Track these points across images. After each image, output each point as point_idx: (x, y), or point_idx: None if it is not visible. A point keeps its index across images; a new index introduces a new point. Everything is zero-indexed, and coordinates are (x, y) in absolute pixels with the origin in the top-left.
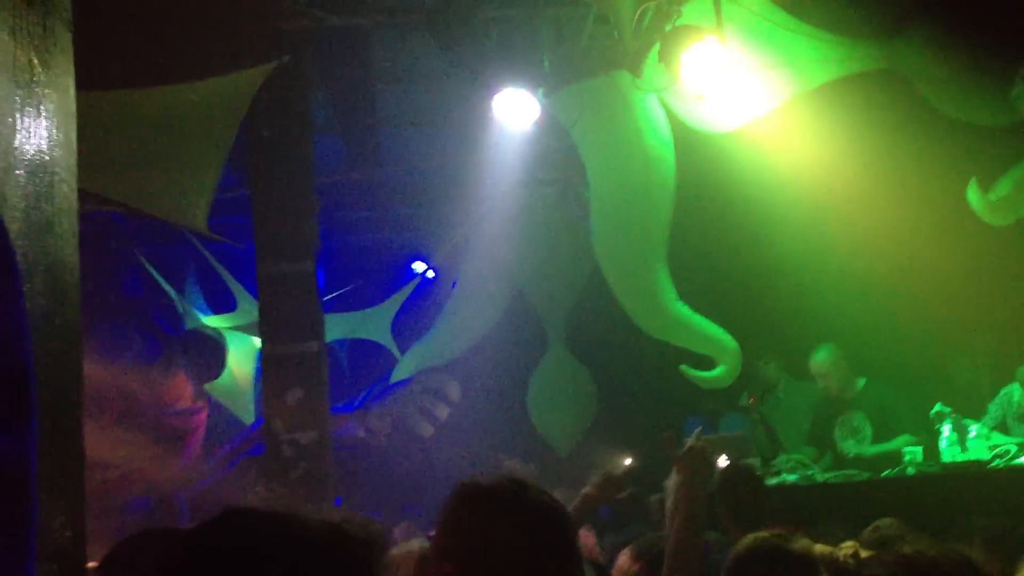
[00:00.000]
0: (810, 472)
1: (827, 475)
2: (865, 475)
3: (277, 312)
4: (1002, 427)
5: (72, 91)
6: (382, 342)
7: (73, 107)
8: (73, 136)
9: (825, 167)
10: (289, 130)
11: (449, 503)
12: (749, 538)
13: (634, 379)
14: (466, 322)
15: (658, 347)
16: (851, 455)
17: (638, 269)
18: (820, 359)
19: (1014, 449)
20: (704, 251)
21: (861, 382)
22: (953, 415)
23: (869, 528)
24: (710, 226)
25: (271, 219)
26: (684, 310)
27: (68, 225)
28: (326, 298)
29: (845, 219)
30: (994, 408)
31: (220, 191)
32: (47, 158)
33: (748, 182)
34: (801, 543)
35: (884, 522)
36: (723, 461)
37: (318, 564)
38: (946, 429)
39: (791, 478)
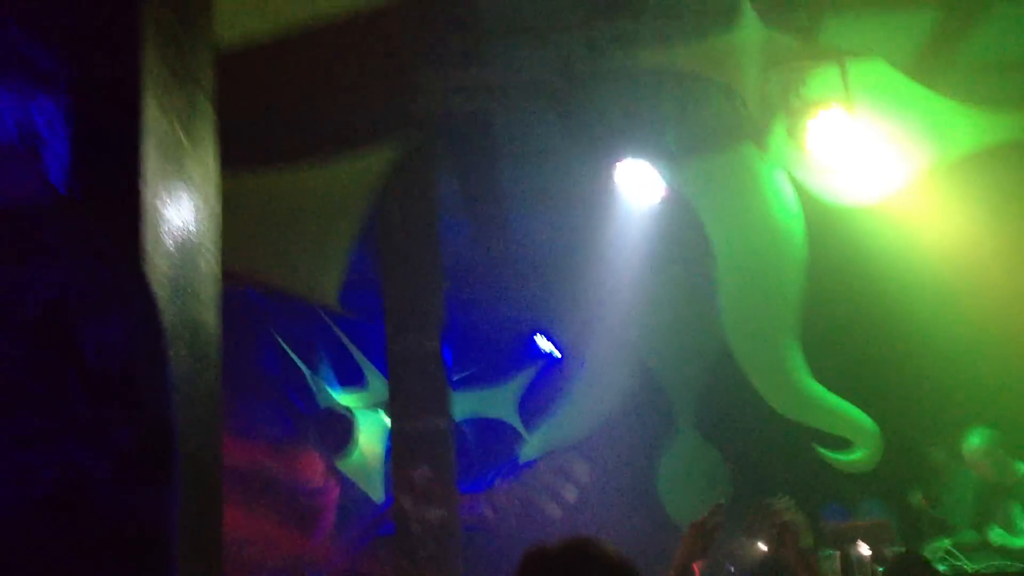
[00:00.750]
0: (959, 562)
1: (977, 566)
2: (1018, 567)
3: (406, 389)
4: None
5: (216, 164)
6: (509, 421)
7: (217, 179)
8: (218, 207)
9: (966, 241)
10: (417, 210)
11: (518, 570)
12: None
13: (767, 462)
14: (593, 402)
15: (792, 429)
16: (996, 544)
17: (769, 346)
18: (973, 445)
19: None
20: (839, 328)
21: (1022, 468)
22: None
23: None
24: (844, 302)
25: (400, 297)
26: (819, 389)
27: (212, 293)
28: (454, 377)
29: (986, 294)
30: None
31: (352, 270)
32: (193, 228)
33: (883, 257)
34: None
35: None
36: (864, 549)
37: None
38: None
39: (941, 567)
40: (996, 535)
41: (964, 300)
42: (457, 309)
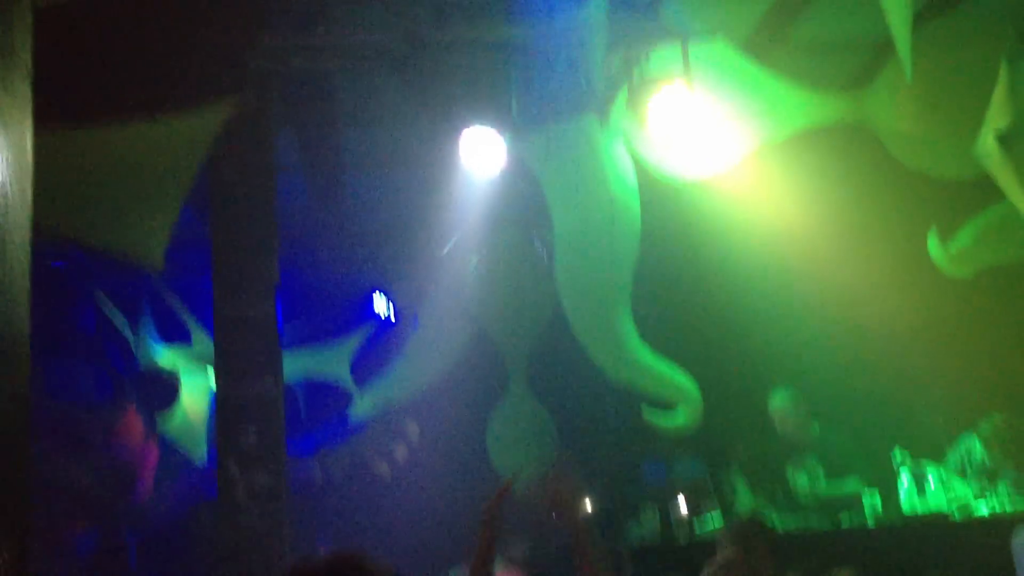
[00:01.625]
0: (769, 518)
1: (787, 521)
2: (825, 524)
3: (233, 354)
4: (960, 476)
5: (30, 119)
6: (341, 381)
7: (31, 133)
8: (30, 161)
9: (791, 218)
10: (251, 169)
11: None
12: None
13: (594, 421)
14: (426, 362)
15: (619, 390)
16: (805, 492)
17: (601, 312)
18: (778, 403)
19: (972, 500)
20: (668, 296)
21: (816, 427)
22: (912, 461)
23: None
24: (675, 272)
25: (231, 259)
26: (647, 354)
27: (22, 248)
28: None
29: (809, 268)
30: (953, 456)
31: (179, 229)
32: (2, 180)
33: (714, 230)
34: None
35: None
36: (683, 506)
37: None
38: (905, 477)
39: None
40: (802, 481)
41: (785, 273)
42: (291, 269)
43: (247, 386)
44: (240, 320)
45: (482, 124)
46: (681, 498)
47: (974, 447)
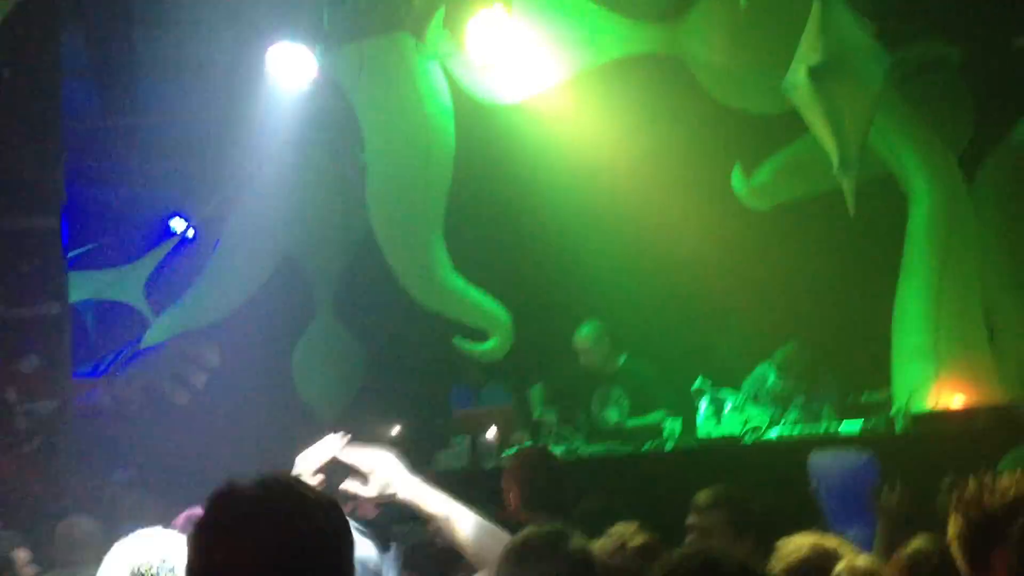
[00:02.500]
0: (574, 445)
1: (590, 448)
2: (626, 449)
3: (13, 272)
4: (754, 403)
5: None
6: (134, 304)
7: None
8: None
9: (602, 145)
10: (34, 70)
11: (205, 509)
12: (527, 531)
13: (402, 348)
14: (228, 285)
15: (428, 317)
16: (612, 423)
17: (413, 237)
18: (583, 335)
19: (764, 424)
20: (481, 223)
21: (622, 358)
22: (711, 389)
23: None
24: (488, 198)
25: (10, 168)
26: (458, 281)
27: None
28: (71, 254)
29: (617, 197)
30: (747, 385)
31: None
32: None
33: (528, 155)
34: (577, 540)
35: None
36: (491, 434)
37: None
38: (703, 404)
39: (557, 450)
40: (610, 414)
41: (596, 199)
42: (80, 183)
43: (28, 307)
44: (19, 235)
45: (292, 37)
46: (489, 425)
47: (768, 375)
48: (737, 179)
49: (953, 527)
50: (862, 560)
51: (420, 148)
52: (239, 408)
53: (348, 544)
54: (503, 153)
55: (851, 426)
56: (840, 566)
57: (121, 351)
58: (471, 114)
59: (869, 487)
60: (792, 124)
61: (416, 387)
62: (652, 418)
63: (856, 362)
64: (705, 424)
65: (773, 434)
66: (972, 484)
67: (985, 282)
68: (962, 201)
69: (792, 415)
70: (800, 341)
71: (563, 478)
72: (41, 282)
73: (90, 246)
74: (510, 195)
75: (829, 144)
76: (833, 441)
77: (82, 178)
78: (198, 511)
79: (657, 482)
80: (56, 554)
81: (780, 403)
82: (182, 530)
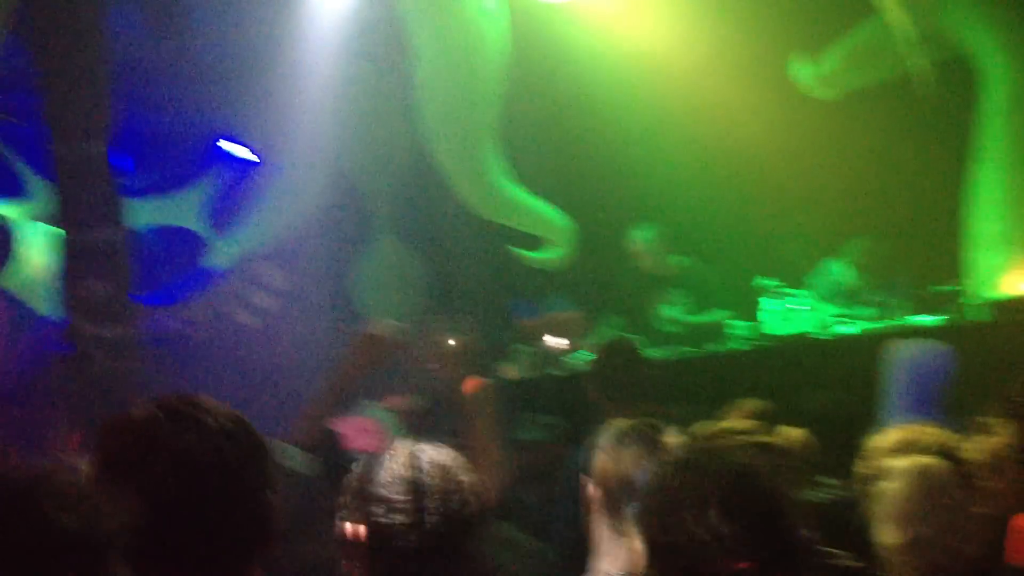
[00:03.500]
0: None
1: (655, 351)
2: (691, 351)
3: (73, 198)
4: (823, 299)
5: None
6: (195, 229)
7: None
8: None
9: (658, 41)
10: None
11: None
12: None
13: (463, 262)
14: (287, 206)
15: (487, 229)
16: (671, 323)
17: (467, 148)
18: (638, 238)
19: (833, 321)
20: (536, 129)
21: (682, 260)
22: (776, 289)
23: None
24: (543, 103)
25: (61, 97)
26: (515, 189)
27: None
28: (128, 181)
29: (675, 95)
30: (816, 281)
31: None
32: None
33: (583, 56)
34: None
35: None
36: (553, 340)
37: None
38: (769, 302)
39: None
40: (667, 311)
41: (654, 98)
42: (133, 111)
43: (88, 233)
44: (76, 163)
45: None
46: (553, 333)
47: (837, 271)
48: (803, 67)
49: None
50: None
51: (471, 54)
52: (306, 331)
53: (255, 473)
54: (557, 55)
55: (924, 318)
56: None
57: (187, 277)
58: (524, 16)
59: (944, 378)
60: (858, 6)
61: (478, 300)
62: (713, 317)
63: (929, 254)
64: (772, 322)
65: (843, 330)
66: None
67: None
68: None
69: (863, 310)
70: (871, 235)
71: (643, 370)
72: (98, 208)
73: (147, 173)
74: (567, 99)
75: (898, 24)
76: (906, 334)
77: (134, 105)
78: None
79: (724, 383)
80: None
81: (850, 299)
82: None
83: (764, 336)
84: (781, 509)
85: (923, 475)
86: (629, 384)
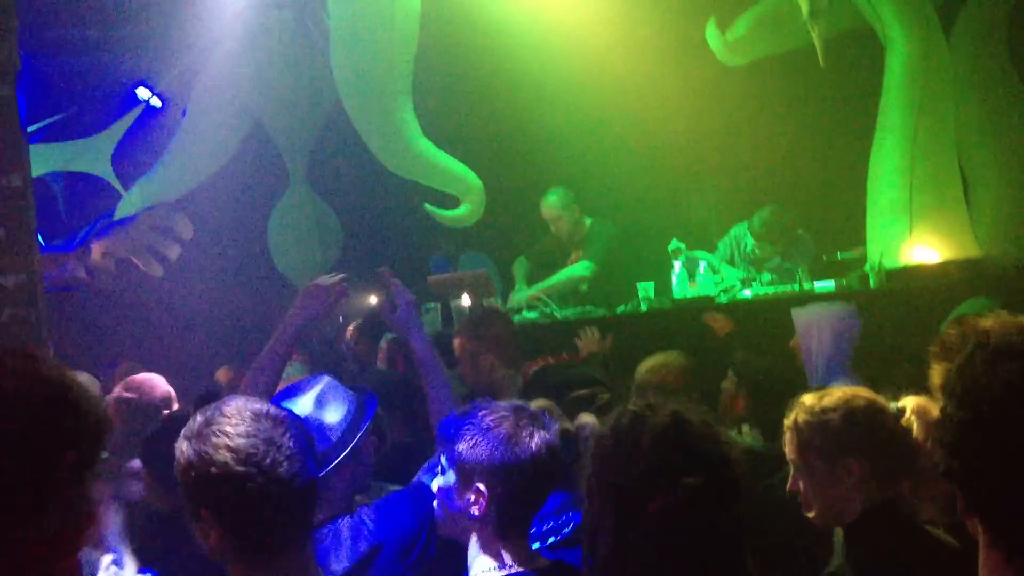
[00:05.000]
0: (549, 309)
1: (565, 311)
2: (601, 311)
3: None
4: (729, 264)
5: None
6: (102, 175)
7: None
8: None
9: (574, 3)
10: None
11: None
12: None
13: (378, 217)
14: (199, 155)
15: (402, 184)
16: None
17: (381, 103)
18: (550, 202)
19: (738, 284)
20: (450, 86)
21: (588, 221)
22: (686, 251)
23: None
24: (456, 60)
25: None
26: (428, 147)
27: None
28: (33, 127)
29: (588, 56)
30: (723, 246)
31: None
32: None
33: (495, 15)
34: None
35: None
36: (466, 299)
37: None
38: (678, 265)
39: (531, 316)
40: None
41: (567, 59)
42: (38, 53)
43: None
44: None
45: None
46: (464, 291)
47: (744, 237)
48: (712, 34)
49: (937, 375)
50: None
51: (385, 9)
52: (215, 280)
53: (64, 443)
54: (469, 13)
55: (826, 285)
56: (902, 404)
57: (94, 224)
58: None
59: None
60: None
61: (393, 256)
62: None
63: (831, 221)
64: (680, 286)
65: (748, 294)
66: (953, 331)
67: (960, 137)
68: (939, 52)
69: (766, 276)
70: (777, 203)
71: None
72: (1, 153)
73: (55, 117)
74: (481, 57)
75: None
76: (808, 299)
77: (42, 48)
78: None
79: (632, 343)
80: None
81: (755, 265)
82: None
83: (671, 298)
84: (709, 449)
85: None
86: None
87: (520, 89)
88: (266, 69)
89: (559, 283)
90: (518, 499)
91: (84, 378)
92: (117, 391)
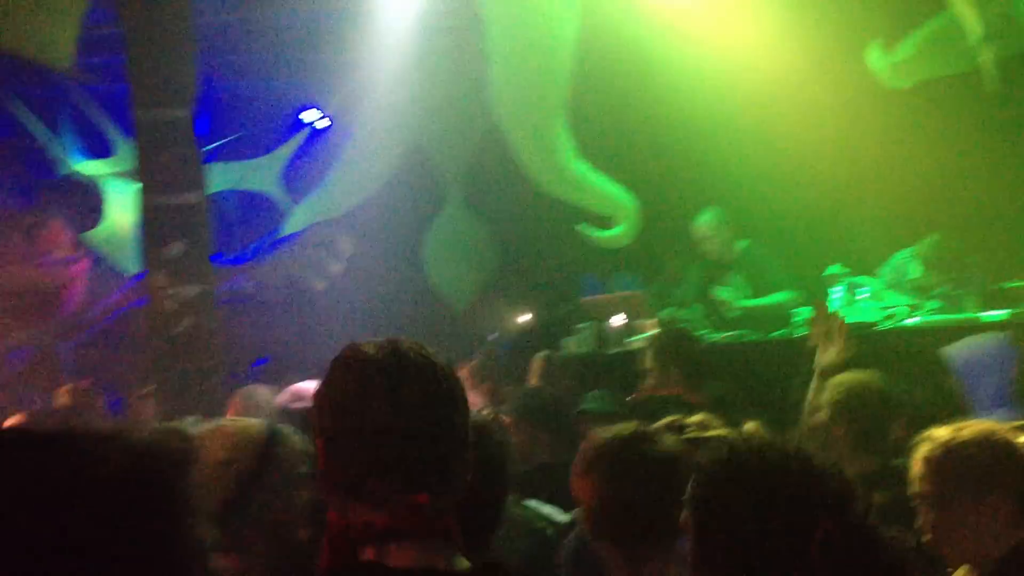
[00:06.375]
0: (703, 332)
1: (719, 335)
2: (755, 335)
3: (154, 160)
4: (892, 290)
5: None
6: (271, 193)
7: None
8: None
9: (729, 25)
10: None
11: (329, 370)
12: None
13: (532, 237)
14: (360, 174)
15: (557, 204)
16: (728, 305)
17: (536, 125)
18: (703, 222)
19: (904, 311)
20: (605, 108)
21: (743, 244)
22: (847, 276)
23: None
24: (612, 83)
25: (147, 61)
26: (582, 168)
27: None
28: (210, 146)
29: (746, 79)
30: (887, 272)
31: (91, 26)
32: None
33: (653, 38)
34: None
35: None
36: (619, 319)
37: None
38: (838, 290)
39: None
40: (725, 293)
41: (724, 82)
42: (215, 77)
43: (170, 195)
44: (159, 126)
45: None
46: (615, 312)
47: (909, 265)
48: (876, 56)
49: None
50: None
51: (543, 33)
52: (374, 296)
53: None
54: (629, 36)
55: (993, 313)
56: None
57: (262, 240)
58: None
59: (1012, 371)
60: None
61: (545, 275)
62: (772, 299)
63: (1001, 250)
64: (839, 310)
65: (912, 322)
66: None
67: None
68: None
69: (932, 304)
70: (945, 231)
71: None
72: (180, 172)
73: (228, 138)
74: (636, 79)
75: (969, 15)
76: (975, 328)
77: (216, 72)
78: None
79: (787, 368)
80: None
81: (920, 292)
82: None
83: None
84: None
85: None
86: (682, 364)
87: (676, 110)
88: (427, 92)
89: (767, 307)
90: None
91: (263, 391)
92: (284, 400)
